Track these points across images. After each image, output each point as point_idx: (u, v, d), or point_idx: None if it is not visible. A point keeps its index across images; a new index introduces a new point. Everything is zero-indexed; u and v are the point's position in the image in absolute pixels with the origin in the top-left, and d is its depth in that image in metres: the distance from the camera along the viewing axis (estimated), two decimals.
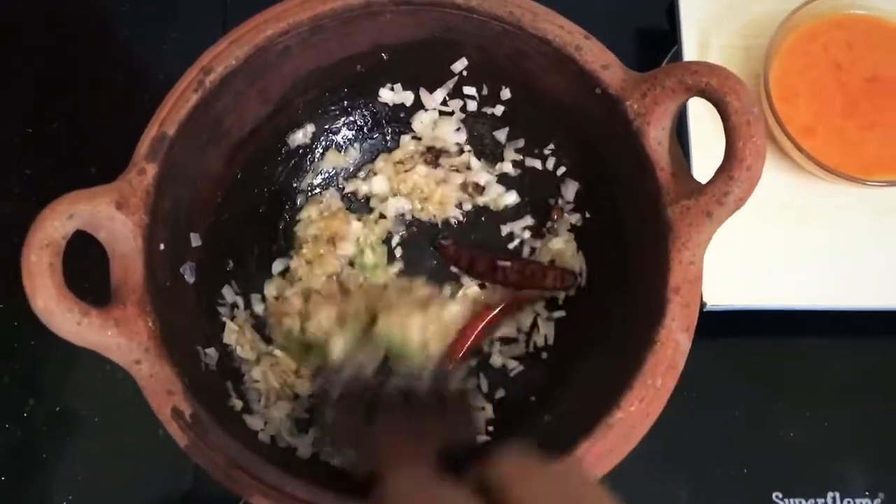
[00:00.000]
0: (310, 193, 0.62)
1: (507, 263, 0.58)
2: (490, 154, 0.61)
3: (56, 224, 0.42)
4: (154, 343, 0.44)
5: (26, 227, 0.41)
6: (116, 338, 0.43)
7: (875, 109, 0.58)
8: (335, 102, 0.59)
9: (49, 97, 0.72)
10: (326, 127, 0.60)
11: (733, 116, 0.43)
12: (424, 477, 0.36)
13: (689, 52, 0.62)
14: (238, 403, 0.50)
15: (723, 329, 0.60)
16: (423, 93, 0.59)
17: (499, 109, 0.59)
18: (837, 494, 0.60)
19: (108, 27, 0.75)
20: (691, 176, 0.47)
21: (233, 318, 0.55)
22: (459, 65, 0.56)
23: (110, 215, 0.44)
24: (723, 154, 0.44)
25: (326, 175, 0.62)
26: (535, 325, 0.58)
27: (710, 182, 0.45)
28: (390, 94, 0.59)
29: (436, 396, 0.51)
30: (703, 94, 0.45)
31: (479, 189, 0.61)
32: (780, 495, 0.59)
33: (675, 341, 0.45)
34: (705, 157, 0.58)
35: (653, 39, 0.70)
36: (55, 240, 0.41)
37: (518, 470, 0.32)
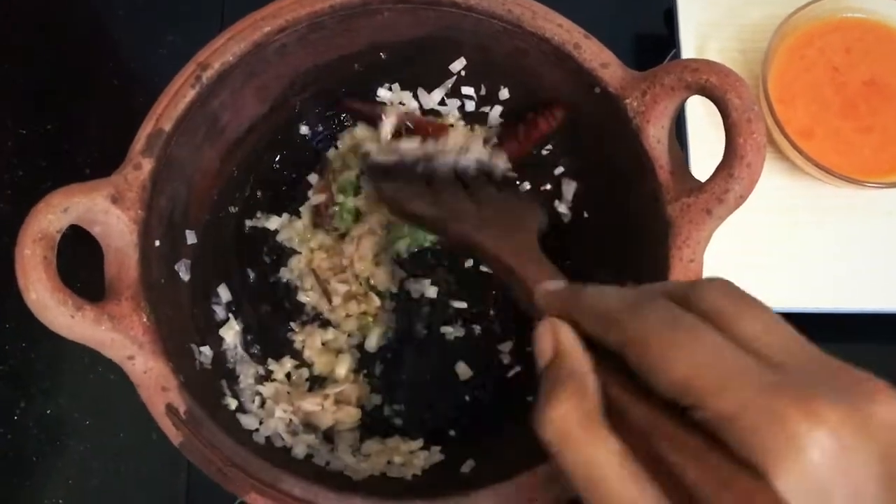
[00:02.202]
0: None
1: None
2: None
3: (50, 217, 0.41)
4: (149, 339, 0.43)
5: (19, 229, 0.41)
6: (110, 332, 0.42)
7: (872, 112, 0.58)
8: (332, 101, 0.59)
9: (44, 99, 0.71)
10: (323, 126, 0.60)
11: (734, 113, 0.43)
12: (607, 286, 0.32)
13: (688, 56, 0.62)
14: (232, 402, 0.50)
15: None
16: (422, 92, 0.59)
17: (497, 110, 0.58)
18: None
19: (103, 29, 0.74)
20: (691, 174, 0.47)
21: (227, 319, 0.54)
22: (458, 64, 0.56)
23: (105, 209, 0.44)
24: (721, 153, 0.44)
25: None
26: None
27: (711, 179, 0.45)
28: (388, 94, 0.59)
29: (487, 178, 0.49)
30: (703, 91, 0.44)
31: None
32: None
33: None
34: (704, 157, 0.58)
35: (651, 44, 0.70)
36: (49, 233, 0.41)
37: (727, 302, 0.28)
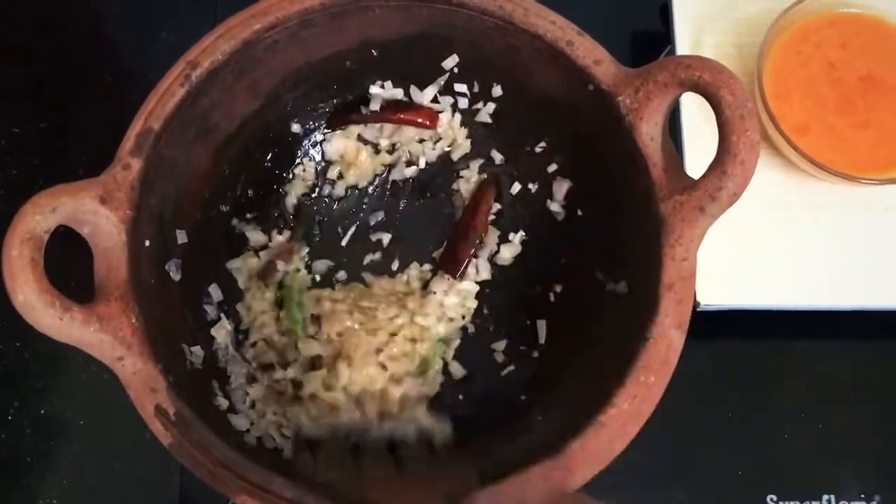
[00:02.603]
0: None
1: None
2: (479, 153, 0.61)
3: (38, 218, 0.41)
4: (138, 340, 0.43)
5: None
6: (99, 334, 0.42)
7: (868, 108, 0.58)
8: (324, 99, 0.59)
9: (37, 97, 0.71)
10: (315, 123, 0.60)
11: (727, 110, 0.43)
12: None
13: (683, 51, 0.61)
14: (223, 403, 0.50)
15: (716, 330, 0.59)
16: (414, 90, 0.59)
17: (490, 107, 0.58)
18: (832, 497, 0.59)
19: (97, 27, 0.74)
20: (684, 172, 0.47)
21: (219, 318, 0.54)
22: (450, 61, 0.56)
23: (94, 210, 0.43)
24: (715, 151, 0.44)
25: (315, 173, 0.61)
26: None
27: (704, 177, 0.44)
28: (380, 91, 0.59)
29: (424, 447, 0.51)
30: (696, 88, 0.44)
31: None
32: (775, 498, 0.59)
33: (668, 338, 0.44)
34: (697, 154, 0.58)
35: (646, 40, 0.70)
36: (37, 234, 0.40)
37: None
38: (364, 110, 0.59)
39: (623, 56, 0.49)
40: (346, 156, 0.61)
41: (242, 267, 0.57)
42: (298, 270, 0.58)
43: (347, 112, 0.60)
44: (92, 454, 0.61)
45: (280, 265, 0.57)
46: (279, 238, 0.59)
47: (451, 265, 0.58)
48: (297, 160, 0.61)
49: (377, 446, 0.51)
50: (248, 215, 0.58)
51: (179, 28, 0.72)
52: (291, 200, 0.60)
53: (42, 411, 0.62)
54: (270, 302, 0.57)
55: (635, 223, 0.48)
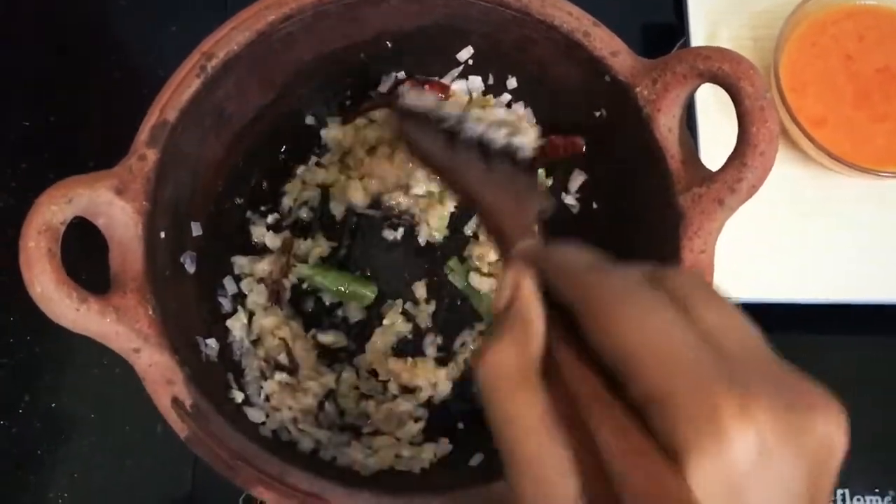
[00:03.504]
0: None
1: None
2: None
3: (54, 209, 0.41)
4: (154, 331, 0.43)
5: (23, 222, 0.40)
6: (115, 325, 0.42)
7: (886, 100, 0.57)
8: (338, 91, 0.58)
9: (46, 91, 0.71)
10: (330, 115, 0.60)
11: (746, 101, 0.43)
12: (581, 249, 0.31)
13: (697, 44, 0.61)
14: (239, 395, 0.49)
15: None
16: None
17: (504, 98, 0.58)
18: (846, 492, 0.59)
19: (106, 20, 0.74)
20: (702, 164, 0.47)
21: (234, 311, 0.54)
22: (465, 53, 0.55)
23: (109, 201, 0.43)
24: (731, 142, 0.44)
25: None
26: None
27: (723, 169, 0.44)
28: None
29: (509, 157, 0.48)
30: (716, 79, 0.44)
31: None
32: None
33: None
34: (713, 146, 0.58)
35: (659, 33, 0.69)
36: (53, 225, 0.40)
37: (695, 290, 0.27)
38: (373, 94, 0.59)
39: (636, 49, 0.49)
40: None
41: (246, 267, 0.57)
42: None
43: (357, 104, 0.59)
44: (102, 449, 0.61)
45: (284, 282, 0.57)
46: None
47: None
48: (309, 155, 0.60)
49: (468, 139, 0.48)
50: (263, 208, 0.58)
51: (188, 22, 0.72)
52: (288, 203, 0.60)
53: (52, 405, 0.62)
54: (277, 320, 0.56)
55: (652, 216, 0.48)
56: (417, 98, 0.49)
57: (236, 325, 0.53)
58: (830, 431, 0.24)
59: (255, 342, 0.55)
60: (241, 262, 0.56)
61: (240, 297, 0.55)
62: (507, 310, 0.29)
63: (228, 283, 0.54)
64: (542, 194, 0.47)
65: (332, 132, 0.60)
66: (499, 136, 0.47)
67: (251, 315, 0.55)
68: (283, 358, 0.54)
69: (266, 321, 0.55)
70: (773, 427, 0.23)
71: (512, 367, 0.27)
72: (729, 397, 0.23)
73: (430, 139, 0.47)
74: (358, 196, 0.59)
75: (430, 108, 0.49)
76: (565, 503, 0.25)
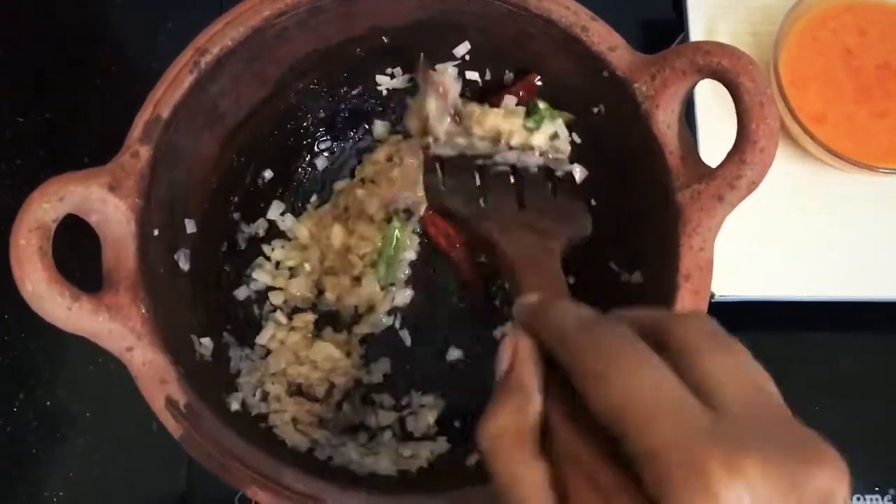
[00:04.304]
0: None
1: None
2: None
3: (45, 206, 0.40)
4: (147, 330, 0.43)
5: None
6: (108, 324, 0.41)
7: (887, 96, 0.57)
8: (334, 87, 0.58)
9: (42, 87, 0.70)
10: (325, 111, 0.59)
11: (746, 97, 0.42)
12: (578, 304, 0.31)
13: (697, 39, 0.60)
14: (233, 395, 0.49)
15: (730, 322, 0.58)
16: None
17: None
18: None
19: (102, 16, 0.74)
20: (701, 160, 0.46)
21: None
22: (462, 48, 0.55)
23: (102, 198, 0.43)
24: (731, 138, 0.43)
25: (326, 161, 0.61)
26: None
27: (722, 165, 0.44)
28: (390, 80, 0.58)
29: (546, 180, 0.49)
30: (715, 74, 0.43)
31: None
32: None
33: None
34: (712, 142, 0.57)
35: (658, 29, 0.69)
36: (45, 223, 0.40)
37: (700, 341, 0.27)
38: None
39: (634, 45, 0.48)
40: None
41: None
42: None
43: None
44: (98, 447, 0.60)
45: None
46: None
47: None
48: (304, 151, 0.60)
49: (501, 171, 0.49)
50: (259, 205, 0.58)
51: (184, 17, 0.71)
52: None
53: (48, 403, 0.61)
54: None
55: (651, 212, 0.48)
56: (449, 143, 0.49)
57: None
58: (830, 485, 0.23)
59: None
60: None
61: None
62: (507, 376, 0.30)
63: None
64: (580, 218, 0.47)
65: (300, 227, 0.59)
66: (533, 161, 0.48)
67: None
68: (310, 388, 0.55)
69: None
70: (766, 482, 0.22)
71: (511, 433, 0.28)
72: (716, 452, 0.22)
73: (453, 188, 0.47)
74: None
75: (464, 147, 0.49)
76: None
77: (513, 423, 0.28)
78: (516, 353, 0.30)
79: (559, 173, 0.49)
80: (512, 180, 0.48)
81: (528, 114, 0.52)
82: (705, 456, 0.22)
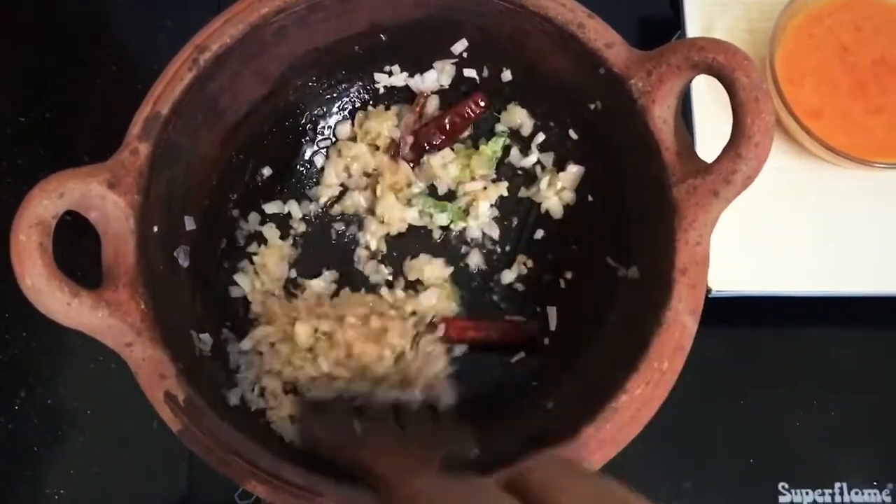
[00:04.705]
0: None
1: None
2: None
3: (45, 203, 0.41)
4: (146, 326, 0.43)
5: None
6: (107, 319, 0.42)
7: (882, 92, 0.57)
8: (332, 84, 0.58)
9: (42, 86, 0.70)
10: (324, 109, 0.59)
11: (741, 92, 0.42)
12: (446, 478, 0.36)
13: (693, 36, 0.60)
14: (232, 390, 0.49)
15: (728, 317, 0.59)
16: (420, 75, 0.58)
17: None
18: (844, 485, 0.59)
19: (101, 15, 0.74)
20: (697, 155, 0.47)
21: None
22: (460, 46, 0.55)
23: (102, 195, 0.43)
24: (727, 134, 0.44)
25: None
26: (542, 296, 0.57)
27: (717, 160, 0.44)
28: (389, 77, 0.58)
29: (428, 409, 0.51)
30: (711, 70, 0.44)
31: None
32: (787, 486, 0.58)
33: (681, 323, 0.44)
34: (709, 138, 0.57)
35: (655, 26, 0.69)
36: (45, 219, 0.40)
37: (555, 473, 0.32)
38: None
39: (631, 42, 0.49)
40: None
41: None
42: None
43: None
44: (99, 444, 0.60)
45: None
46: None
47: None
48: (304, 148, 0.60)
49: (381, 409, 0.51)
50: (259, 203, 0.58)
51: (183, 16, 0.71)
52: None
53: (49, 401, 0.61)
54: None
55: (647, 208, 0.48)
56: (324, 387, 0.51)
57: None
58: None
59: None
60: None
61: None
62: None
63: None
64: (464, 440, 0.49)
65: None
66: (414, 397, 0.50)
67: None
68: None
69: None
70: None
71: None
72: None
73: (336, 427, 0.49)
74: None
75: (341, 390, 0.51)
76: None
77: None
78: None
79: (441, 408, 0.52)
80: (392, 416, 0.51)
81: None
82: None
